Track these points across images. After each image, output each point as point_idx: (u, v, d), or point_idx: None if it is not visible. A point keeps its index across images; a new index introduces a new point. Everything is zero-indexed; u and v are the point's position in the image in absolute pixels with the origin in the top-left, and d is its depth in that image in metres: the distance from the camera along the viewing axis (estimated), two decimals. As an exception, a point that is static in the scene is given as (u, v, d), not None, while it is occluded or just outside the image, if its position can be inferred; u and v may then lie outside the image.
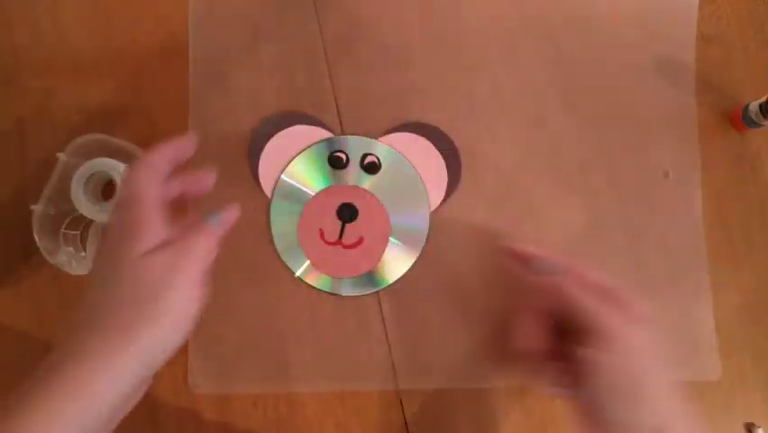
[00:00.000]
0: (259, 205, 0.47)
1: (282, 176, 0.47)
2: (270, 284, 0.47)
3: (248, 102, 0.48)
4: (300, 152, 0.48)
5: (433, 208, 0.48)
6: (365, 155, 0.48)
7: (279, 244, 0.47)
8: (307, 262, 0.47)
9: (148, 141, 0.47)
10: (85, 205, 0.43)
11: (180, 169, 0.38)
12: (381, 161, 0.48)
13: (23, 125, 0.48)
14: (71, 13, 0.49)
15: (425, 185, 0.48)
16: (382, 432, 0.46)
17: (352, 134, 0.48)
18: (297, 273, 0.47)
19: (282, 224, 0.47)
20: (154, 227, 0.34)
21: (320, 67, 0.49)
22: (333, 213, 0.47)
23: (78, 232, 0.46)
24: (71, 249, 0.45)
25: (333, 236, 0.47)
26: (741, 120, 0.48)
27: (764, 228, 0.49)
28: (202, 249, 0.35)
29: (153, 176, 0.36)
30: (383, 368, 0.46)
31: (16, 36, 0.49)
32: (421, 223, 0.47)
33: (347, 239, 0.47)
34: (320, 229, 0.47)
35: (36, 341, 0.46)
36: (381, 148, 0.48)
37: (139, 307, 0.32)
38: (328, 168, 0.47)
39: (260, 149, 0.47)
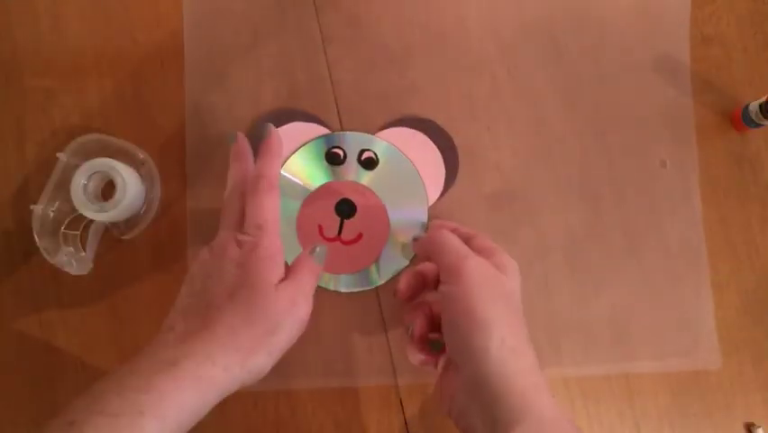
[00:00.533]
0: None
1: (281, 172, 0.47)
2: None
3: (247, 102, 0.48)
4: (298, 149, 0.48)
5: (431, 203, 0.48)
6: (362, 151, 0.48)
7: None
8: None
9: (148, 141, 0.47)
10: (85, 205, 0.43)
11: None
12: (379, 156, 0.48)
13: (23, 125, 0.48)
14: (71, 13, 0.49)
15: (423, 180, 0.48)
16: (382, 432, 0.46)
17: (350, 130, 0.48)
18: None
19: (280, 220, 0.46)
20: (283, 258, 0.38)
21: (320, 67, 0.49)
22: (332, 209, 0.47)
23: (78, 232, 0.46)
24: (71, 249, 0.45)
25: (332, 232, 0.47)
26: (741, 120, 0.48)
27: (764, 228, 0.49)
28: (312, 288, 0.39)
29: (277, 197, 0.40)
30: (383, 366, 0.46)
31: (16, 36, 0.49)
32: (419, 218, 0.48)
33: (346, 235, 0.47)
34: (319, 225, 0.47)
35: (36, 341, 0.46)
36: (379, 143, 0.48)
37: (261, 335, 0.36)
38: (326, 164, 0.48)
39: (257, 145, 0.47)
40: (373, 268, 0.47)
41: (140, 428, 0.30)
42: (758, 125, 0.47)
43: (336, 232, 0.47)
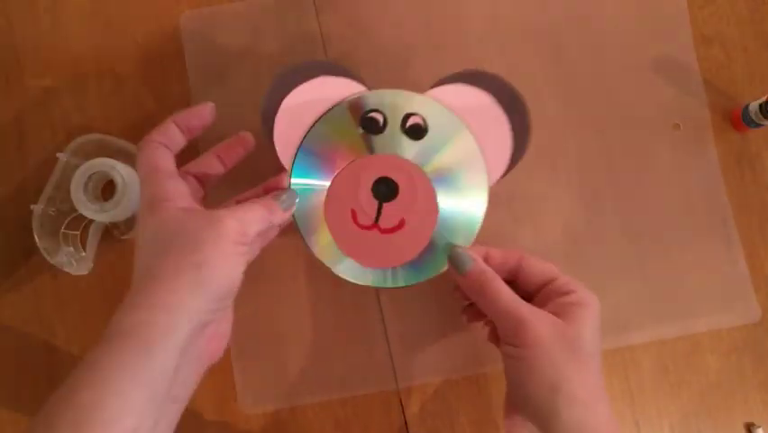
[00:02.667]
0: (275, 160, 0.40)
1: (303, 144, 0.39)
2: (274, 281, 0.47)
3: (248, 101, 0.48)
4: (325, 113, 0.39)
5: (492, 183, 0.40)
6: (408, 115, 0.39)
7: (303, 229, 0.39)
8: (340, 252, 0.40)
9: (148, 141, 0.47)
10: (85, 205, 0.43)
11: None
12: (429, 122, 0.39)
13: (23, 125, 0.48)
14: (71, 13, 0.49)
15: (485, 154, 0.39)
16: (382, 432, 0.46)
17: (392, 88, 0.39)
18: (335, 270, 0.40)
19: (305, 204, 0.39)
20: (181, 191, 0.35)
21: (320, 67, 0.49)
22: (368, 190, 0.39)
23: (78, 232, 0.46)
24: (71, 249, 0.45)
25: (369, 219, 0.39)
26: (741, 120, 0.48)
27: (764, 228, 0.49)
28: (256, 219, 0.35)
29: (162, 147, 0.36)
30: (383, 368, 0.46)
31: (16, 36, 0.49)
32: (475, 208, 0.40)
33: (385, 222, 0.39)
34: (352, 210, 0.39)
35: (36, 341, 0.46)
36: (430, 105, 0.39)
37: (175, 259, 0.32)
38: (360, 132, 0.39)
39: (276, 109, 0.39)
40: (421, 260, 0.40)
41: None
42: (758, 125, 0.47)
43: (373, 218, 0.39)
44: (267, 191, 0.40)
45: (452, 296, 0.42)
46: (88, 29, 0.49)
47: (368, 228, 0.39)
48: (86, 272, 0.45)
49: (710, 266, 0.48)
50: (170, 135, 0.36)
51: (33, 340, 0.46)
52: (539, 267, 0.39)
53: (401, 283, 0.40)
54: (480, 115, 0.39)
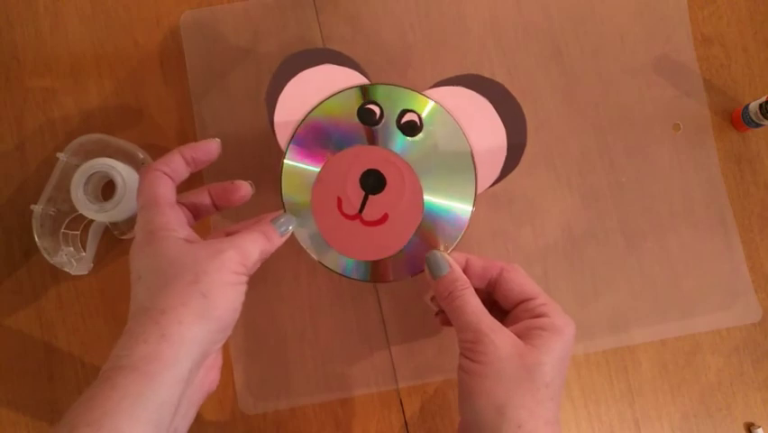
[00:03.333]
0: (273, 161, 0.41)
1: (299, 128, 0.39)
2: (272, 272, 0.47)
3: (248, 101, 0.48)
4: (325, 99, 0.39)
5: (480, 190, 0.40)
6: (404, 111, 0.39)
7: (290, 209, 0.40)
8: (324, 241, 0.40)
9: (147, 141, 0.47)
10: (84, 205, 0.43)
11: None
12: (424, 120, 0.39)
13: (23, 125, 0.48)
14: (71, 13, 0.49)
15: (476, 160, 0.39)
16: (382, 432, 0.46)
17: (393, 84, 0.39)
18: (306, 247, 0.40)
19: (294, 186, 0.39)
20: (180, 221, 0.35)
21: (320, 67, 0.49)
22: (357, 180, 0.39)
23: (78, 232, 0.46)
24: (71, 249, 0.45)
25: (353, 209, 0.39)
26: (741, 120, 0.48)
27: (764, 228, 0.49)
28: (255, 248, 0.35)
29: (164, 177, 0.36)
30: (383, 368, 0.46)
31: (16, 36, 0.49)
32: (459, 214, 0.40)
33: (369, 214, 0.39)
34: (338, 198, 0.39)
35: (36, 341, 0.46)
36: (426, 104, 0.39)
37: (180, 290, 0.32)
38: (356, 122, 0.39)
39: (280, 91, 0.40)
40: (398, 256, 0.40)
41: None
42: (758, 125, 0.47)
43: (358, 209, 0.39)
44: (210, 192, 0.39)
45: (424, 299, 0.42)
46: (88, 29, 0.49)
47: (351, 218, 0.39)
48: (85, 272, 0.45)
49: (710, 266, 0.48)
50: (174, 166, 0.36)
51: (33, 340, 0.46)
52: (519, 283, 0.38)
53: (352, 276, 0.41)
54: (477, 120, 0.39)
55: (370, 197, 0.39)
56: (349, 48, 0.49)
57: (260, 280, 0.46)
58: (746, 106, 0.48)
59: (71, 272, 0.44)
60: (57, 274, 0.46)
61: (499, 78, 0.49)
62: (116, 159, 0.44)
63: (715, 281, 0.48)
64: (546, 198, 0.48)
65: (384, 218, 0.39)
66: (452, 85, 0.40)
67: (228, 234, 0.37)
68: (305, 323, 0.46)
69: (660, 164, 0.49)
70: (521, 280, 0.38)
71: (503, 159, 0.40)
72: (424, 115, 0.39)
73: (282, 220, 0.38)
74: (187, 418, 0.36)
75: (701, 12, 0.50)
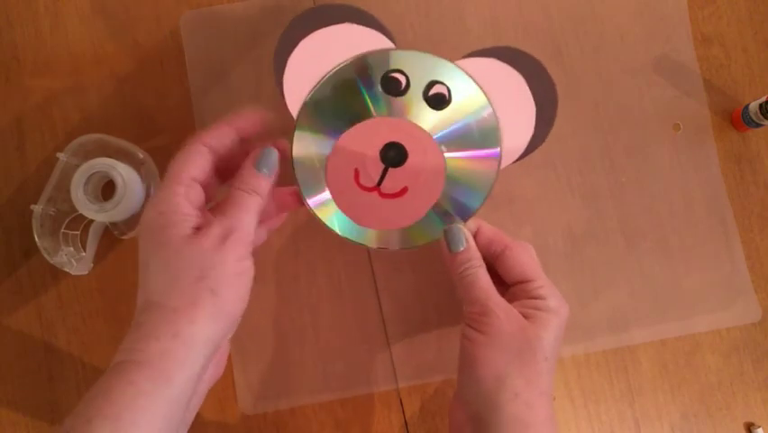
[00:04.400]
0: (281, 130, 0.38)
1: (314, 91, 0.36)
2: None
3: (248, 101, 0.48)
4: (344, 63, 0.36)
5: (503, 165, 0.39)
6: (432, 83, 0.37)
7: (301, 179, 0.38)
8: (326, 193, 0.38)
9: (147, 141, 0.47)
10: (85, 205, 0.43)
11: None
12: (453, 94, 0.37)
13: (23, 125, 0.48)
14: (71, 12, 0.49)
15: (503, 134, 0.38)
16: (382, 432, 0.46)
17: (422, 51, 0.37)
18: (311, 202, 0.38)
19: (307, 157, 0.37)
20: (187, 210, 0.34)
21: (320, 67, 0.49)
22: (377, 152, 0.37)
23: (78, 232, 0.46)
24: (71, 249, 0.45)
25: (371, 181, 0.38)
26: (741, 120, 0.48)
27: (764, 228, 0.49)
28: (249, 218, 0.34)
29: (202, 152, 0.35)
30: (383, 368, 0.46)
31: (16, 36, 0.49)
32: (473, 200, 0.39)
33: (387, 187, 0.38)
34: (355, 169, 0.37)
35: (36, 341, 0.46)
36: (458, 76, 0.37)
37: (190, 287, 0.32)
38: (380, 91, 0.37)
39: (291, 50, 0.37)
40: (414, 228, 0.39)
41: None
42: (758, 125, 0.47)
43: (376, 181, 0.38)
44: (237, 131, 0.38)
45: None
46: (88, 29, 0.49)
47: (368, 190, 0.38)
48: (86, 272, 0.45)
49: (710, 266, 0.48)
50: (220, 136, 0.36)
51: (33, 340, 0.46)
52: (520, 263, 0.38)
53: (393, 246, 0.39)
54: (508, 95, 0.37)
55: (390, 170, 0.37)
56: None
57: (261, 280, 0.46)
58: (746, 106, 0.48)
59: (71, 272, 0.44)
60: (57, 274, 0.46)
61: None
62: (116, 159, 0.44)
63: (715, 281, 0.48)
64: (546, 198, 0.48)
65: (403, 191, 0.38)
66: (486, 56, 0.38)
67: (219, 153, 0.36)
68: (305, 323, 0.46)
69: (660, 164, 0.49)
70: (523, 260, 0.38)
71: (530, 134, 0.38)
72: (453, 88, 0.37)
73: (264, 163, 0.36)
74: (194, 409, 0.36)
75: (701, 12, 0.50)
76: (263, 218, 0.38)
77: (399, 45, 0.39)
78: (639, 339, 0.47)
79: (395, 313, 0.47)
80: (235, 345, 0.46)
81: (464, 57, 0.39)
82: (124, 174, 0.44)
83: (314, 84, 0.37)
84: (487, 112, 0.37)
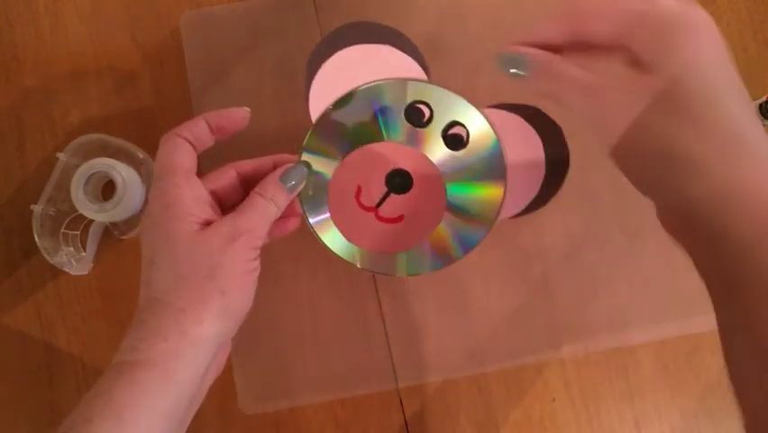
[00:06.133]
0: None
1: (335, 105, 0.37)
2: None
3: (248, 102, 0.48)
4: (375, 82, 0.36)
5: (501, 217, 0.39)
6: (453, 123, 0.37)
7: (305, 198, 0.38)
8: (326, 215, 0.38)
9: (147, 141, 0.47)
10: (85, 205, 0.43)
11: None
12: (471, 138, 0.37)
13: (23, 125, 0.48)
14: (71, 12, 0.49)
15: (507, 187, 0.38)
16: (382, 432, 0.46)
17: (450, 90, 0.37)
18: (312, 222, 0.38)
19: (318, 155, 0.37)
20: (197, 195, 0.33)
21: (320, 67, 0.49)
22: (383, 175, 0.38)
23: (78, 232, 0.46)
24: (71, 249, 0.45)
25: (371, 201, 0.38)
26: (741, 120, 0.48)
27: (764, 228, 0.49)
28: (263, 221, 0.34)
29: (185, 144, 0.34)
30: (383, 368, 0.46)
31: (17, 36, 0.49)
32: (479, 232, 0.39)
33: (385, 211, 0.38)
34: (358, 186, 0.38)
35: (36, 341, 0.46)
36: (479, 122, 0.37)
37: (198, 286, 0.31)
38: (402, 118, 0.37)
39: (326, 58, 0.38)
40: (402, 258, 0.39)
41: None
42: (758, 125, 0.47)
43: (375, 203, 0.38)
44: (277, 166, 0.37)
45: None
46: (88, 29, 0.49)
47: (366, 210, 0.38)
48: (85, 272, 0.45)
49: (710, 266, 0.48)
50: (198, 132, 0.35)
51: (33, 339, 0.46)
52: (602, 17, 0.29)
53: (377, 269, 0.39)
54: (522, 154, 0.38)
55: (392, 195, 0.38)
56: (349, 48, 0.49)
57: (261, 280, 0.46)
58: (746, 106, 0.48)
59: (71, 272, 0.45)
60: (57, 274, 0.46)
61: (499, 79, 0.49)
62: (116, 159, 0.44)
63: (715, 281, 0.48)
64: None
65: (399, 219, 0.38)
66: (512, 111, 0.39)
67: (240, 174, 0.36)
68: (305, 323, 0.46)
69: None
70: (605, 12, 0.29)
71: (532, 195, 0.39)
72: (472, 133, 0.37)
73: (292, 177, 0.35)
74: (196, 406, 0.36)
75: (701, 12, 0.50)
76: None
77: (432, 77, 0.40)
78: (639, 339, 0.47)
79: (395, 313, 0.47)
80: (236, 344, 0.46)
81: (490, 106, 0.40)
82: (124, 174, 0.44)
83: (337, 96, 0.37)
84: (498, 161, 0.37)
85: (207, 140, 0.35)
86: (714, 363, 0.47)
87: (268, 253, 0.47)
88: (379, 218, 0.38)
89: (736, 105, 0.28)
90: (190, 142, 0.34)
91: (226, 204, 0.36)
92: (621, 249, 0.48)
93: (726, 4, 0.51)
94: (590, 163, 0.49)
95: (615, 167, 0.49)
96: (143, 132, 0.48)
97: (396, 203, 0.38)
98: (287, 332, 0.46)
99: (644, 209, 0.48)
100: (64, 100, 0.48)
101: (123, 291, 0.47)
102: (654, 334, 0.47)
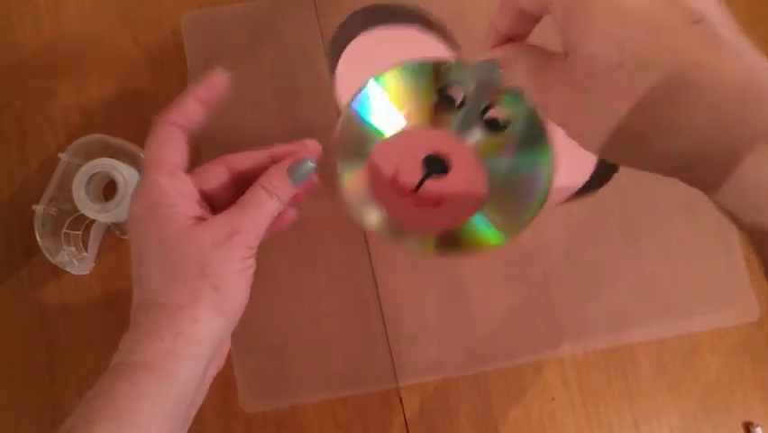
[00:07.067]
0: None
1: (372, 80, 0.35)
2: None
3: (248, 102, 0.48)
4: (402, 63, 0.35)
5: (548, 208, 0.36)
6: (492, 105, 0.34)
7: (341, 157, 0.36)
8: (359, 170, 0.36)
9: (149, 141, 0.47)
10: (86, 205, 0.43)
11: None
12: (512, 121, 0.34)
13: (25, 125, 0.48)
14: (72, 13, 0.49)
15: (554, 175, 0.34)
16: (382, 432, 0.46)
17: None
18: (343, 170, 0.36)
19: (350, 139, 0.36)
20: (184, 192, 0.32)
21: (321, 67, 0.49)
22: (420, 160, 0.36)
23: (80, 232, 0.46)
24: (73, 249, 0.45)
25: (408, 184, 0.37)
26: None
27: (763, 228, 0.49)
28: (263, 216, 0.33)
29: (174, 130, 0.33)
30: (383, 367, 0.46)
31: (17, 36, 0.49)
32: (523, 218, 0.36)
33: (422, 195, 0.37)
34: (396, 169, 0.36)
35: (37, 340, 0.46)
36: (522, 106, 0.34)
37: (190, 284, 0.30)
38: (433, 101, 0.35)
39: (349, 40, 0.37)
40: (430, 239, 0.37)
41: None
42: (757, 126, 0.47)
43: (413, 187, 0.36)
44: (274, 160, 0.35)
45: None
46: (89, 29, 0.49)
47: (402, 193, 0.37)
48: (87, 272, 0.46)
49: (709, 265, 0.48)
50: (187, 111, 0.33)
51: (34, 339, 0.47)
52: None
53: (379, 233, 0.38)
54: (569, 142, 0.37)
55: (429, 180, 0.36)
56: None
57: (261, 278, 0.46)
58: (745, 107, 0.48)
59: (73, 272, 0.45)
60: (58, 274, 0.46)
61: (499, 79, 0.49)
62: (117, 159, 0.45)
63: (714, 281, 0.48)
64: (546, 198, 0.48)
65: (437, 203, 0.36)
66: None
67: (232, 171, 0.34)
68: (305, 322, 0.47)
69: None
70: None
71: (581, 181, 0.37)
72: (514, 116, 0.34)
73: (300, 172, 0.34)
74: (198, 404, 0.36)
75: (701, 12, 0.50)
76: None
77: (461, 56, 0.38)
78: (638, 339, 0.47)
79: (395, 313, 0.47)
80: (236, 343, 0.46)
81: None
82: (126, 174, 0.44)
83: (369, 74, 0.35)
84: (543, 149, 0.35)
85: (198, 116, 0.34)
86: (713, 362, 0.48)
87: (268, 252, 0.47)
88: (416, 202, 0.36)
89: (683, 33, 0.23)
90: (181, 126, 0.33)
91: (216, 201, 0.35)
92: (621, 249, 0.48)
93: (726, 5, 0.51)
94: (590, 163, 0.49)
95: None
96: (144, 132, 0.47)
97: (433, 188, 0.36)
98: (287, 331, 0.46)
99: (644, 209, 0.49)
100: (65, 100, 0.48)
101: (125, 291, 0.47)
102: (653, 333, 0.48)
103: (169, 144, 0.33)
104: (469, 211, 0.36)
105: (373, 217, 0.37)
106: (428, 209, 0.36)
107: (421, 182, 0.36)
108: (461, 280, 0.47)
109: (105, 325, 0.47)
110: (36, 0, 0.49)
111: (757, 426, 0.47)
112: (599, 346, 0.47)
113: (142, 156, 0.46)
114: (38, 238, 0.44)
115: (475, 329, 0.47)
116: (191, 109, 0.34)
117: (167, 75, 0.48)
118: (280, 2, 0.49)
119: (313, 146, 0.35)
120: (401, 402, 0.47)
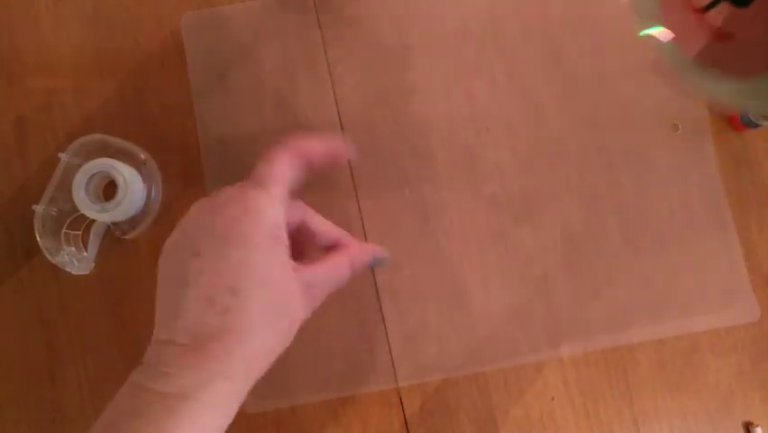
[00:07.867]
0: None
1: None
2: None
3: (249, 102, 0.48)
4: None
5: None
6: None
7: None
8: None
9: (148, 141, 0.47)
10: (86, 205, 0.43)
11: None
12: None
13: (25, 125, 0.48)
14: (72, 13, 0.49)
15: None
16: (382, 432, 0.46)
17: None
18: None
19: None
20: (287, 230, 0.32)
21: (321, 67, 0.49)
22: None
23: (80, 232, 0.46)
24: (73, 249, 0.45)
25: (700, 2, 0.32)
26: (739, 121, 0.48)
27: (763, 228, 0.49)
28: (331, 281, 0.34)
29: (299, 166, 0.33)
30: (383, 367, 0.46)
31: (18, 36, 0.49)
32: None
33: (711, 18, 0.32)
34: None
35: (37, 340, 0.46)
36: None
37: (280, 328, 0.31)
38: None
39: None
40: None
41: None
42: (756, 126, 0.48)
43: (705, 4, 0.31)
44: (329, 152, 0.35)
45: None
46: (90, 29, 0.49)
47: (692, 10, 0.32)
48: (87, 272, 0.46)
49: (709, 266, 0.48)
50: (312, 152, 0.33)
51: (35, 339, 0.47)
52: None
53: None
54: None
55: (723, 5, 0.31)
56: (349, 48, 0.49)
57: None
58: (745, 107, 0.48)
59: (73, 272, 0.45)
60: (58, 274, 0.46)
61: (499, 78, 0.49)
62: (117, 159, 0.45)
63: (713, 281, 0.48)
64: (545, 198, 0.48)
65: (728, 37, 0.31)
66: None
67: (304, 224, 0.35)
68: (305, 322, 0.47)
69: (658, 164, 0.49)
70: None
71: None
72: None
73: (379, 263, 0.38)
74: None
75: (700, 12, 0.50)
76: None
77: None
78: (638, 339, 0.47)
79: (395, 313, 0.47)
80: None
81: None
82: (126, 174, 0.44)
83: None
84: None
85: (295, 181, 0.33)
86: (713, 362, 0.48)
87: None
88: (703, 26, 0.32)
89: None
90: (281, 196, 0.33)
91: None
92: (621, 249, 0.48)
93: (725, 5, 0.51)
94: (589, 163, 0.49)
95: (614, 165, 0.49)
96: (144, 132, 0.48)
97: (732, 15, 0.31)
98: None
99: (643, 209, 0.49)
100: (65, 100, 0.48)
101: (125, 291, 0.47)
102: (653, 333, 0.48)
103: (293, 171, 0.33)
104: (760, 64, 0.31)
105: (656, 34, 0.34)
106: (713, 40, 0.31)
107: (712, 4, 0.31)
108: (461, 280, 0.47)
109: (105, 325, 0.47)
110: (36, 0, 0.49)
111: (757, 426, 0.47)
112: (599, 346, 0.47)
113: (142, 156, 0.46)
114: (38, 238, 0.44)
115: (475, 329, 0.47)
116: (316, 154, 0.34)
117: (167, 75, 0.48)
118: (280, 2, 0.49)
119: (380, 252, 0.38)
120: (401, 402, 0.47)
